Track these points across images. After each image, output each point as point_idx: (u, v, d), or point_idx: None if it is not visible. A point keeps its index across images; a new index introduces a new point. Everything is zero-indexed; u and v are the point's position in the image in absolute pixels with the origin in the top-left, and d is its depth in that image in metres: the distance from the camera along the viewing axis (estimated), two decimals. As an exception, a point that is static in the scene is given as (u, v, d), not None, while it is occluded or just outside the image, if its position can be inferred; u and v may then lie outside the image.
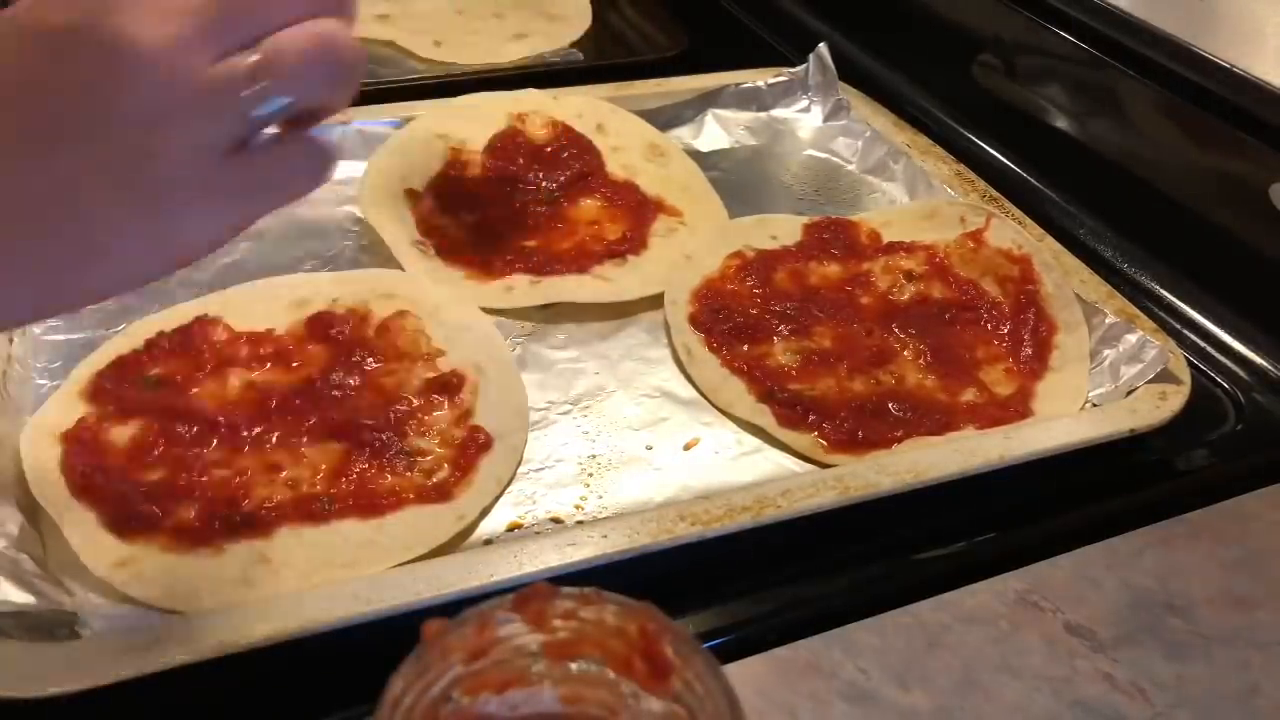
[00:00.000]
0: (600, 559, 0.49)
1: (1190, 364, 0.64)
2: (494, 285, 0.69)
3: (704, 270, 0.70)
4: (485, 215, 0.75)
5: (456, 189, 0.76)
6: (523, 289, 0.68)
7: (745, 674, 0.45)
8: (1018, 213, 0.77)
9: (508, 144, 0.80)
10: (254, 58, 0.33)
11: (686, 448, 0.60)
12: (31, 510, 0.51)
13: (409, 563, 0.50)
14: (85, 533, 0.50)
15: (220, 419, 0.56)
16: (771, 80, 0.91)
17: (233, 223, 0.35)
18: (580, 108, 0.84)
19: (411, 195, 0.75)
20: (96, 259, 0.33)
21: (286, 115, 0.35)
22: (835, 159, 0.87)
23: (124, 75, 0.31)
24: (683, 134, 0.88)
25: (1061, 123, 0.86)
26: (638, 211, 0.76)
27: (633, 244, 0.73)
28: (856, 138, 0.87)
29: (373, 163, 0.77)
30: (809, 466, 0.59)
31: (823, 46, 0.91)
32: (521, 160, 0.79)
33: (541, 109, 0.83)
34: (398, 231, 0.72)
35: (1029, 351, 0.66)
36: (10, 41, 0.32)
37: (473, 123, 0.81)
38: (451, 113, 0.82)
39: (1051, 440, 0.58)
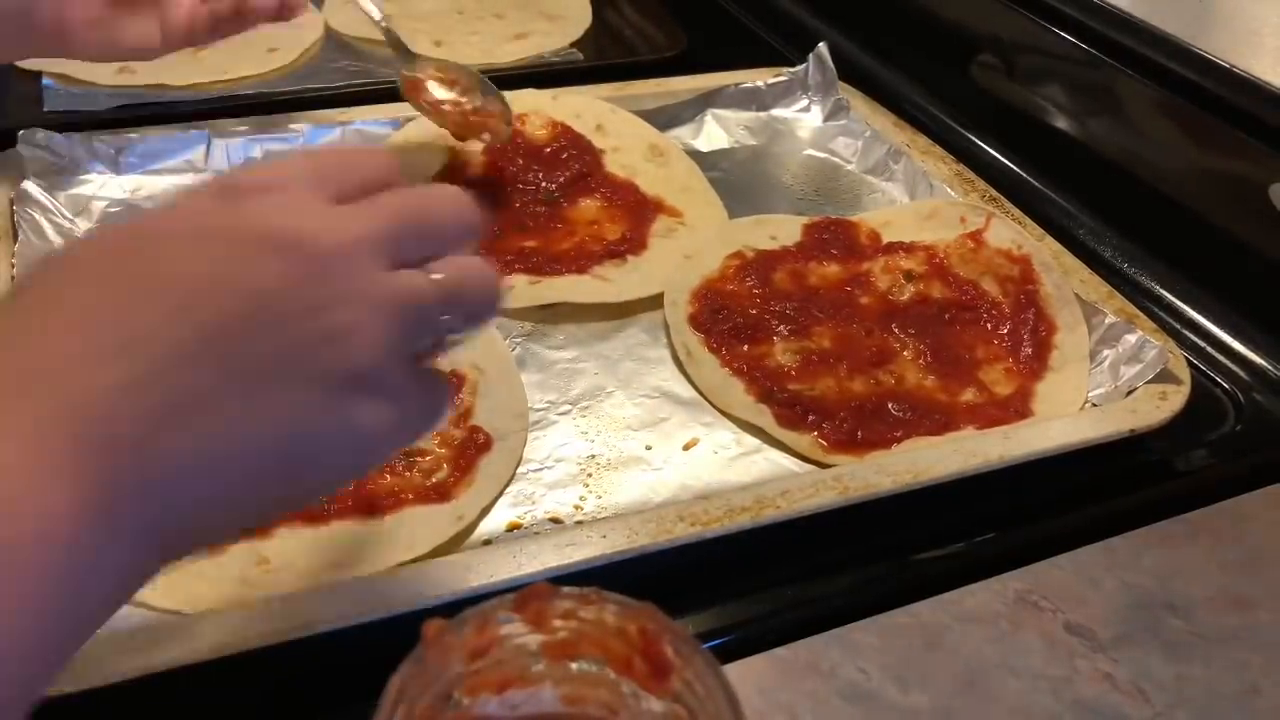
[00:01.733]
0: (600, 559, 0.49)
1: (1190, 364, 0.64)
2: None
3: (704, 270, 0.70)
4: (484, 215, 0.75)
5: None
6: (522, 289, 0.68)
7: (745, 674, 0.45)
8: (1017, 213, 0.77)
9: (507, 144, 0.80)
10: (433, 277, 0.34)
11: (686, 448, 0.60)
12: (31, 510, 0.51)
13: (409, 563, 0.50)
14: (85, 533, 0.50)
15: (220, 419, 0.56)
16: (771, 80, 0.91)
17: (401, 424, 0.34)
18: (579, 108, 0.84)
19: None
20: (301, 464, 0.32)
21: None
22: (835, 159, 0.87)
23: (302, 273, 0.31)
24: (683, 134, 0.88)
25: (1061, 123, 0.86)
26: (637, 212, 0.76)
27: (632, 244, 0.73)
28: (856, 138, 0.87)
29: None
30: (809, 467, 0.59)
31: (823, 46, 0.91)
32: (521, 161, 0.79)
33: (540, 109, 0.83)
34: None
35: (1029, 351, 0.66)
36: (189, 245, 0.32)
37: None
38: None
39: (1051, 440, 0.58)
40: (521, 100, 0.83)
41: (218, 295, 0.30)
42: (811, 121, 0.91)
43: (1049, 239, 0.74)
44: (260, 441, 0.31)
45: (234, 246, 0.31)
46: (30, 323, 0.30)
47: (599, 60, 0.99)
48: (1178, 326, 0.71)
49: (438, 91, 0.73)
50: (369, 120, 0.81)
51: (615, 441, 0.60)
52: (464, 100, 0.73)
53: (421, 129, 0.80)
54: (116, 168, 0.76)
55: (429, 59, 0.77)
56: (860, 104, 0.90)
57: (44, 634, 0.26)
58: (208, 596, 0.48)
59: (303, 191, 0.33)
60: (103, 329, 0.29)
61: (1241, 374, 0.68)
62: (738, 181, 0.83)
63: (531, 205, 0.76)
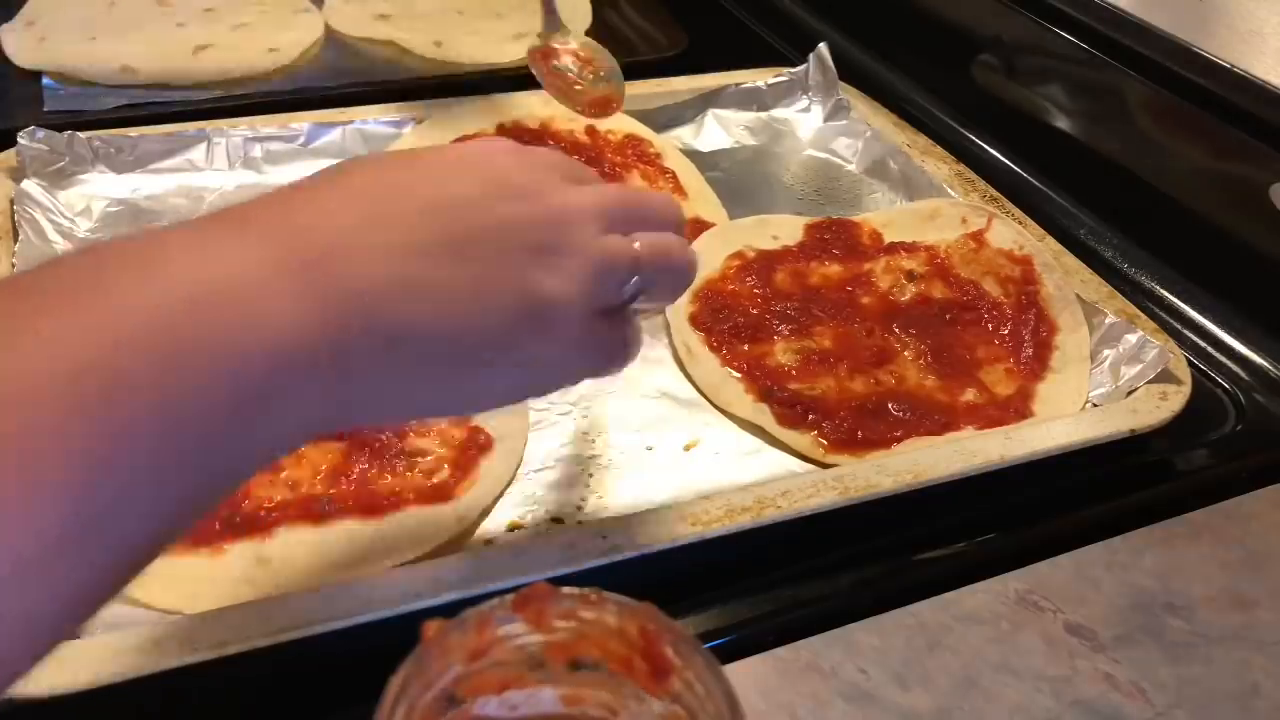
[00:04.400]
0: (600, 559, 0.49)
1: (1190, 364, 0.64)
2: None
3: (704, 270, 0.70)
4: None
5: None
6: None
7: (745, 674, 0.45)
8: (1018, 213, 0.77)
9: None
10: (636, 246, 0.41)
11: (686, 448, 0.60)
12: (31, 510, 0.51)
13: (409, 563, 0.50)
14: (85, 533, 0.50)
15: (220, 419, 0.56)
16: (771, 80, 0.91)
17: (569, 367, 0.42)
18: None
19: None
20: (481, 369, 0.38)
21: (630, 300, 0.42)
22: (835, 159, 0.87)
23: (536, 216, 0.39)
24: (683, 134, 0.88)
25: (1061, 123, 0.86)
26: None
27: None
28: (856, 138, 0.87)
29: None
30: (809, 467, 0.59)
31: (823, 46, 0.91)
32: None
33: (533, 113, 0.82)
34: None
35: (1029, 352, 0.66)
36: (449, 168, 0.39)
37: (463, 133, 0.80)
38: (440, 126, 0.81)
39: (1052, 440, 0.58)
40: (512, 105, 0.83)
41: (465, 209, 0.37)
42: (812, 121, 0.91)
43: (1049, 239, 0.74)
44: (457, 320, 0.36)
45: (491, 184, 0.38)
46: (304, 194, 0.36)
47: (599, 60, 0.99)
48: (1178, 326, 0.71)
49: (567, 63, 0.76)
50: (369, 120, 0.81)
51: (616, 442, 0.60)
52: (581, 83, 0.76)
53: (417, 139, 0.79)
54: (116, 168, 0.76)
55: (577, 37, 0.79)
56: (860, 104, 0.90)
57: (265, 396, 0.31)
58: (208, 596, 0.48)
59: (553, 170, 0.41)
60: (362, 206, 0.35)
61: (1241, 374, 0.68)
62: (738, 181, 0.83)
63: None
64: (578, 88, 0.77)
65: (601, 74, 0.77)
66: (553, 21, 0.79)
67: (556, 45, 0.78)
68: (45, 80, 0.88)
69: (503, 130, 0.80)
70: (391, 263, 0.34)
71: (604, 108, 0.77)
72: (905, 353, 0.66)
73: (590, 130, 0.82)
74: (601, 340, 0.41)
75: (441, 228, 0.36)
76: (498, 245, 0.37)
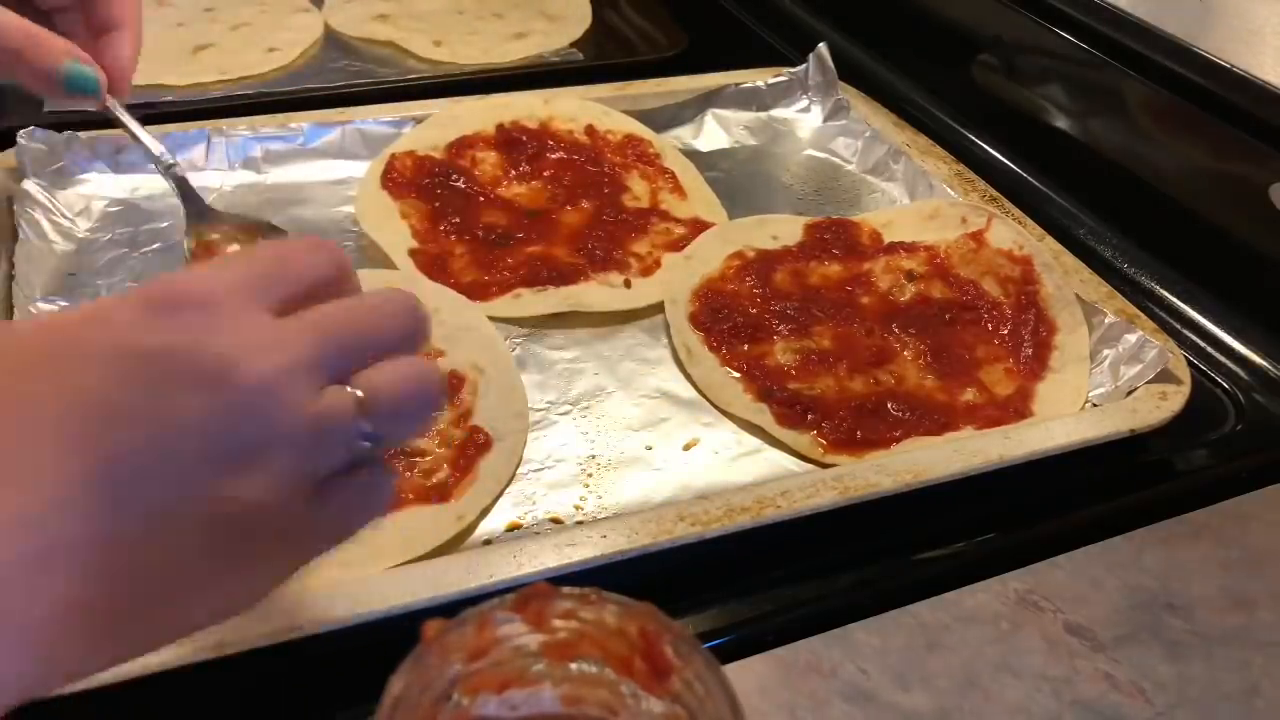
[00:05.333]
0: (600, 559, 0.49)
1: (1190, 364, 0.64)
2: (502, 299, 0.68)
3: (705, 269, 0.70)
4: (485, 227, 0.74)
5: (451, 205, 0.75)
6: (531, 298, 0.68)
7: (745, 674, 0.45)
8: (1017, 212, 0.77)
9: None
10: (357, 394, 0.33)
11: (686, 448, 0.60)
12: (31, 510, 0.51)
13: (409, 563, 0.50)
14: (85, 533, 0.50)
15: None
16: (771, 80, 0.91)
17: (302, 559, 0.34)
18: (572, 110, 0.83)
19: (406, 215, 0.74)
20: (167, 610, 0.31)
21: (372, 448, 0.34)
22: (835, 159, 0.87)
23: (224, 409, 0.30)
24: (683, 134, 0.88)
25: (1061, 123, 0.87)
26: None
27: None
28: (856, 138, 0.87)
29: (362, 191, 0.75)
30: (809, 467, 0.59)
31: (823, 46, 0.91)
32: (526, 166, 0.78)
33: (533, 113, 0.82)
34: (396, 243, 0.71)
35: (1029, 352, 0.66)
36: (106, 364, 0.29)
37: (463, 133, 0.80)
38: (440, 125, 0.81)
39: (1051, 440, 0.58)
40: (512, 105, 0.83)
41: (125, 425, 0.29)
42: (811, 121, 0.91)
43: (1049, 239, 0.74)
44: (127, 580, 0.29)
45: (154, 374, 0.29)
46: None
47: (599, 60, 0.99)
48: (1178, 326, 0.71)
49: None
50: (369, 120, 0.81)
51: (615, 441, 0.60)
52: None
53: (418, 139, 0.79)
54: (116, 168, 0.76)
55: (222, 214, 0.64)
56: (860, 104, 0.90)
57: None
58: (208, 596, 0.47)
59: (239, 307, 0.32)
60: None
61: (1241, 374, 0.68)
62: (738, 181, 0.83)
63: (529, 210, 0.76)
64: None
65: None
66: (197, 207, 0.62)
67: (215, 237, 0.61)
68: (45, 80, 0.88)
69: (502, 130, 0.80)
70: (28, 533, 0.27)
71: None
72: (905, 353, 0.66)
73: (590, 130, 0.82)
74: (332, 514, 0.34)
75: (91, 457, 0.28)
76: (173, 467, 0.29)
